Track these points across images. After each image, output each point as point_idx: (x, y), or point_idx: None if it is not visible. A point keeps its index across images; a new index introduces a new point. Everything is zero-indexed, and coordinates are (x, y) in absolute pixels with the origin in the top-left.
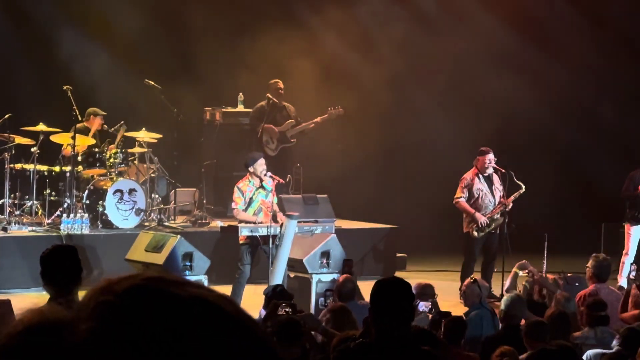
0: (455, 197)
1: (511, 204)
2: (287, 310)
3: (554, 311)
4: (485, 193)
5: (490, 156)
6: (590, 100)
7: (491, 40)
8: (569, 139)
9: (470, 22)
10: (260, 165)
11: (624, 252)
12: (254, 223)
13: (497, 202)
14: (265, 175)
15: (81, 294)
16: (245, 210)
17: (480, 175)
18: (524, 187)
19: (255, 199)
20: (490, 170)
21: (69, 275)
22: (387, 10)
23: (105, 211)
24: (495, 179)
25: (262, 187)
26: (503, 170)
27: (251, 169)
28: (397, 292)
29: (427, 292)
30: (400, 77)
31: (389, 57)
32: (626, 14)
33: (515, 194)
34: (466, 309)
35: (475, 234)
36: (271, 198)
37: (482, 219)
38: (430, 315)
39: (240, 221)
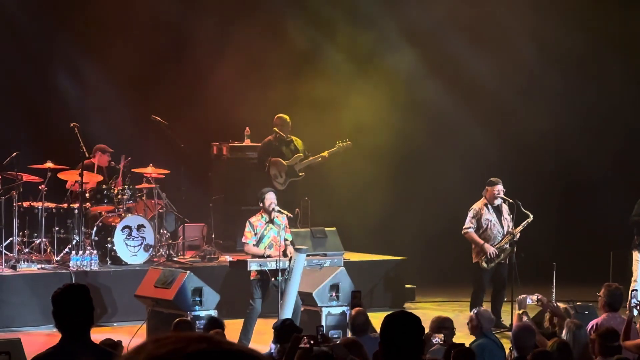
0: (464, 227)
1: (519, 234)
2: (311, 342)
3: (554, 340)
4: (493, 223)
5: (500, 187)
6: (599, 128)
7: (502, 67)
8: (577, 167)
9: (477, 50)
10: (269, 199)
11: (632, 279)
12: (263, 257)
13: (505, 233)
14: (273, 209)
15: (93, 332)
16: (256, 245)
17: (489, 206)
18: (531, 216)
19: (266, 235)
20: (499, 201)
21: (81, 315)
22: (393, 42)
23: (114, 247)
24: (504, 209)
25: (272, 222)
26: (511, 200)
27: (261, 203)
28: (407, 326)
29: (445, 325)
30: (407, 110)
31: (397, 89)
32: None
33: (523, 223)
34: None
35: (485, 265)
36: (282, 234)
37: (490, 249)
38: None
39: (252, 255)
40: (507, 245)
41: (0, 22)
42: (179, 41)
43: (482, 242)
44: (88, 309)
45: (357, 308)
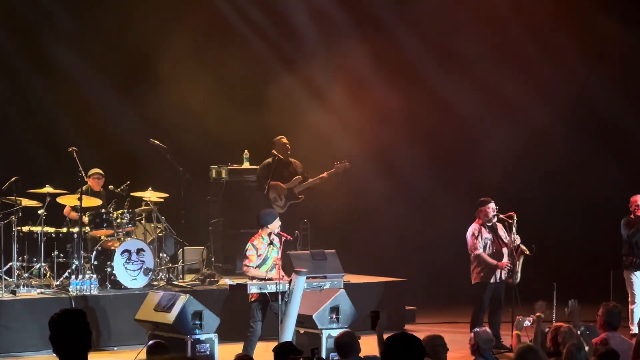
0: (473, 250)
1: (518, 238)
2: None
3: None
4: (491, 242)
5: (492, 205)
6: (600, 149)
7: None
8: (578, 187)
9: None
10: (277, 223)
11: (629, 300)
12: (264, 279)
13: (502, 248)
14: (275, 233)
15: (94, 357)
16: (259, 267)
17: (485, 225)
18: (514, 214)
19: (270, 256)
20: (494, 219)
21: (78, 340)
22: (387, 65)
23: (113, 271)
24: (498, 226)
25: (272, 243)
26: (503, 217)
27: (270, 226)
28: (408, 348)
29: (436, 342)
30: (407, 132)
31: (394, 110)
32: None
33: (513, 226)
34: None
35: (512, 280)
36: (280, 255)
37: (503, 264)
38: None
39: (251, 278)
40: (515, 243)
41: None
42: (177, 63)
43: (494, 262)
44: (85, 333)
45: (345, 330)
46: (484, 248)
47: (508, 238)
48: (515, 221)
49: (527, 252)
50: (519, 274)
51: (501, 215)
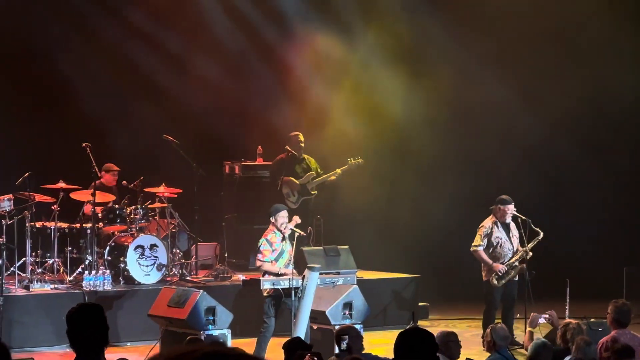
0: (473, 245)
1: (531, 253)
2: (314, 359)
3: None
4: (504, 241)
5: (512, 207)
6: (608, 144)
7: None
8: (589, 184)
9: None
10: (282, 217)
11: None
12: (277, 275)
13: (515, 250)
14: (284, 228)
15: (106, 353)
16: (276, 260)
17: (499, 223)
18: (541, 233)
19: (285, 250)
20: (509, 219)
21: (96, 334)
22: (388, 61)
23: (126, 267)
24: (512, 225)
25: (285, 238)
26: (524, 217)
27: (272, 219)
28: (421, 342)
29: (449, 338)
30: (421, 126)
31: (406, 104)
32: None
33: (533, 240)
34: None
35: (496, 282)
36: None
37: (499, 267)
38: None
39: (265, 272)
40: (517, 263)
41: (14, 43)
42: (191, 60)
43: (490, 261)
44: (103, 328)
45: (343, 325)
46: (497, 245)
47: (516, 241)
48: (538, 240)
49: (523, 271)
50: (502, 282)
51: (532, 224)
